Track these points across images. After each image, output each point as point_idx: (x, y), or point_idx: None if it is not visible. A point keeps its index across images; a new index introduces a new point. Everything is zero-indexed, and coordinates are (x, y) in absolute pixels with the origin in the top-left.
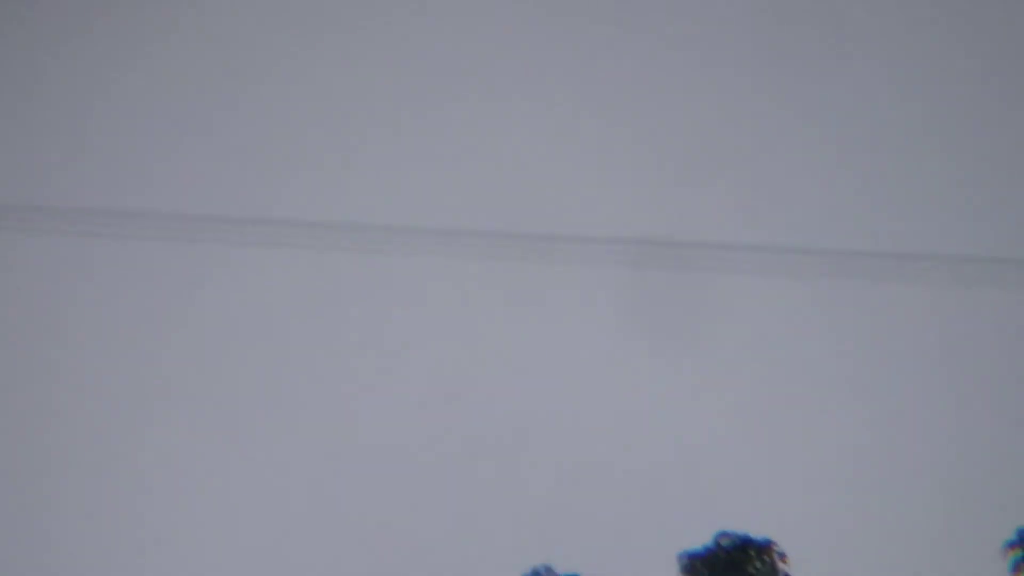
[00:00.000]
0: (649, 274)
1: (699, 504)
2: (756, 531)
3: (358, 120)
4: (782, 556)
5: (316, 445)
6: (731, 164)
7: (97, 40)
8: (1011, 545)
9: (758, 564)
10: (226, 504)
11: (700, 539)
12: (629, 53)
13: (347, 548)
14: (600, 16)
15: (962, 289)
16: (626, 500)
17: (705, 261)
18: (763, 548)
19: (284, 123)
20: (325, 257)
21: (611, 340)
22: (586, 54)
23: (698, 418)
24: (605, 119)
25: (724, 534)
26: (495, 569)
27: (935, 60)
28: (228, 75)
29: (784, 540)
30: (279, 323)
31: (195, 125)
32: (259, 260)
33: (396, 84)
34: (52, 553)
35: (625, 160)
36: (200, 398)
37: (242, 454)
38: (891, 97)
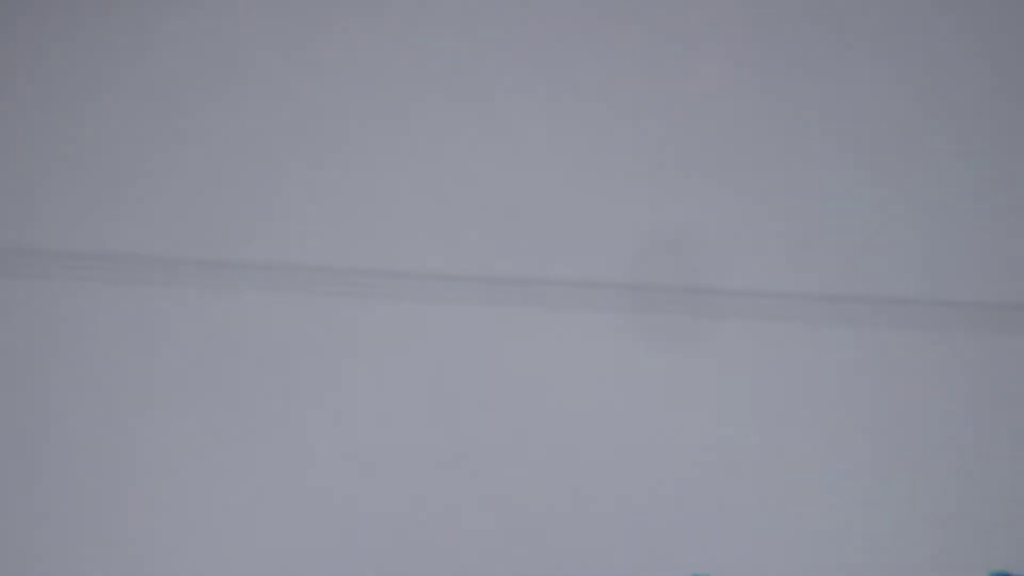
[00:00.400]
0: (649, 317)
1: (689, 542)
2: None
3: (346, 153)
4: None
5: (315, 457)
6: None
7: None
8: None
9: None
10: (224, 509)
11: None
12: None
13: (342, 555)
14: (599, 21)
15: (968, 332)
16: (615, 535)
17: (706, 305)
18: None
19: (271, 165)
20: (324, 302)
21: (608, 383)
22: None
23: (690, 454)
24: (600, 138)
25: None
26: None
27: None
28: (206, 103)
29: None
30: (280, 349)
31: (177, 157)
32: (254, 296)
33: (380, 99)
34: (54, 554)
35: (626, 171)
36: (199, 404)
37: (240, 461)
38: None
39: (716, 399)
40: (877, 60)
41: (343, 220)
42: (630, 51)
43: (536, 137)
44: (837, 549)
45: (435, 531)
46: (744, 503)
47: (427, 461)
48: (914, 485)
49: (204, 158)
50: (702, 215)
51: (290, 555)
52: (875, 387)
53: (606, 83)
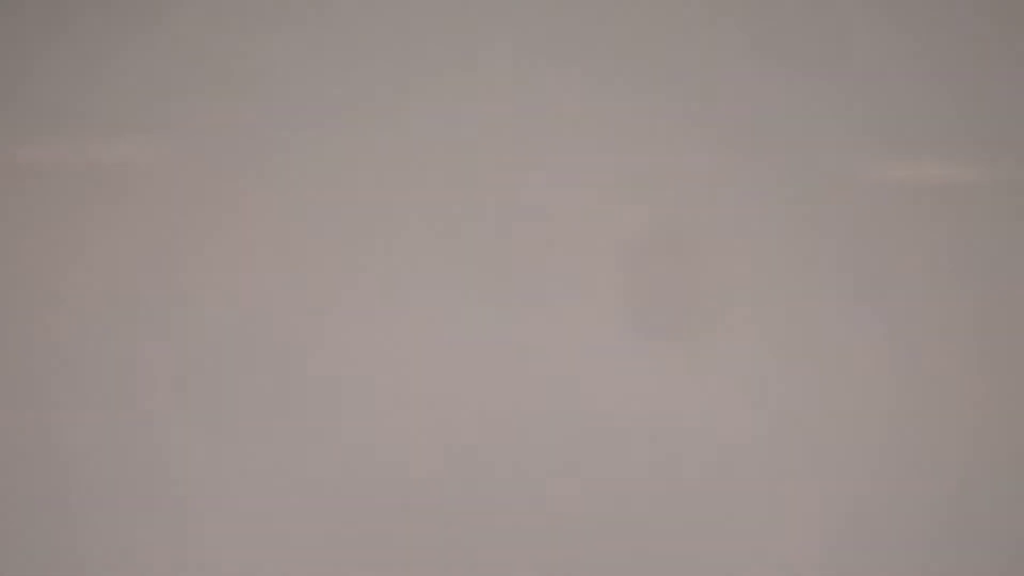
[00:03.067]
0: (650, 314)
1: (690, 541)
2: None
3: (348, 116)
4: None
5: (313, 458)
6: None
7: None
8: None
9: None
10: (218, 507)
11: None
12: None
13: (337, 553)
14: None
15: (973, 328)
16: (615, 535)
17: (708, 301)
18: None
19: (273, 121)
20: (322, 300)
21: (606, 381)
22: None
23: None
24: (602, 107)
25: None
26: None
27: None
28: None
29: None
30: (270, 322)
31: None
32: (248, 257)
33: (380, 77)
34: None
35: (622, 149)
36: (191, 396)
37: (236, 460)
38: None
39: (718, 397)
40: (886, 52)
41: (341, 219)
42: (631, 43)
43: (535, 134)
44: (840, 549)
45: (433, 531)
46: (748, 502)
47: (425, 461)
48: (921, 485)
49: (198, 157)
50: (704, 211)
51: (289, 555)
52: (877, 384)
53: (602, 77)
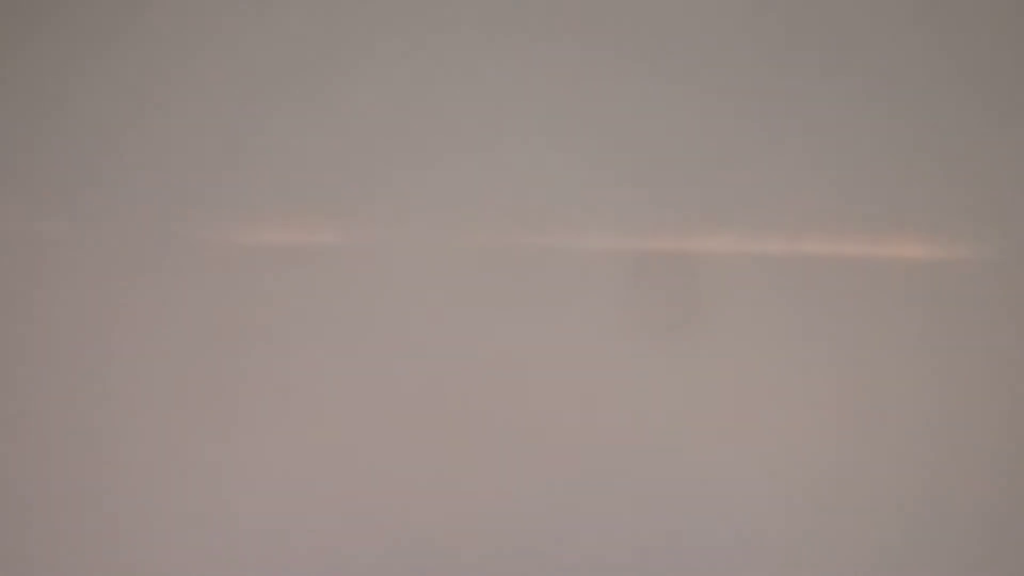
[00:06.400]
0: (651, 280)
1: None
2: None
3: (350, 119)
4: None
5: (310, 456)
6: (730, 167)
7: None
8: None
9: None
10: (211, 510)
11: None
12: (629, 55)
13: (335, 548)
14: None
15: (967, 286)
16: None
17: (707, 267)
18: None
19: (281, 132)
20: (318, 290)
21: (606, 377)
22: (582, 57)
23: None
24: (603, 120)
25: None
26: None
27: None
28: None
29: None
30: (271, 318)
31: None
32: (248, 255)
33: (386, 85)
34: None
35: (623, 163)
36: (190, 393)
37: (230, 461)
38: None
39: (717, 392)
40: (876, 62)
41: (342, 214)
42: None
43: (536, 133)
44: (840, 550)
45: (431, 529)
46: (749, 499)
47: (423, 458)
48: (921, 482)
49: (204, 149)
50: (703, 206)
51: (283, 557)
52: (875, 382)
53: (601, 69)
